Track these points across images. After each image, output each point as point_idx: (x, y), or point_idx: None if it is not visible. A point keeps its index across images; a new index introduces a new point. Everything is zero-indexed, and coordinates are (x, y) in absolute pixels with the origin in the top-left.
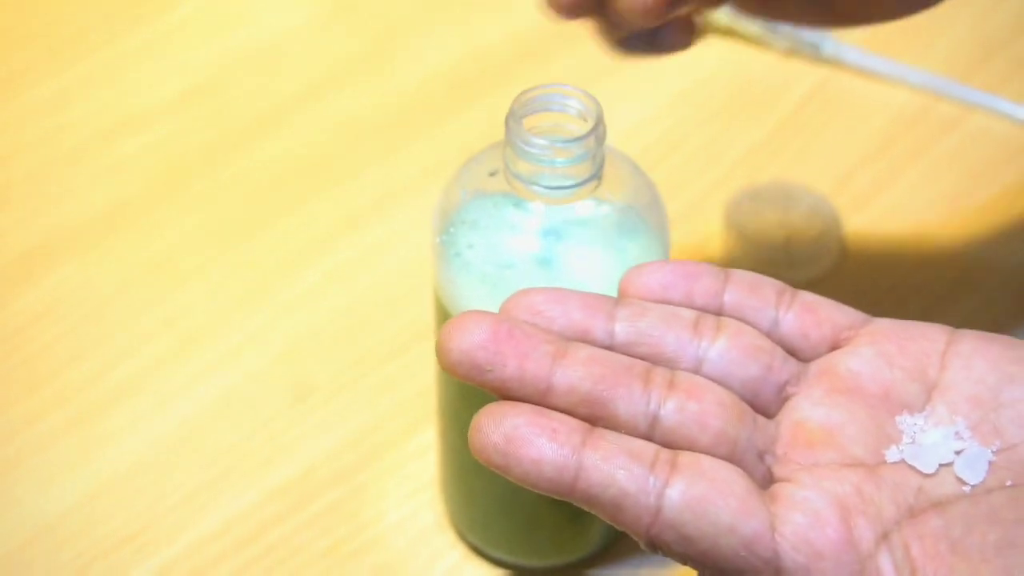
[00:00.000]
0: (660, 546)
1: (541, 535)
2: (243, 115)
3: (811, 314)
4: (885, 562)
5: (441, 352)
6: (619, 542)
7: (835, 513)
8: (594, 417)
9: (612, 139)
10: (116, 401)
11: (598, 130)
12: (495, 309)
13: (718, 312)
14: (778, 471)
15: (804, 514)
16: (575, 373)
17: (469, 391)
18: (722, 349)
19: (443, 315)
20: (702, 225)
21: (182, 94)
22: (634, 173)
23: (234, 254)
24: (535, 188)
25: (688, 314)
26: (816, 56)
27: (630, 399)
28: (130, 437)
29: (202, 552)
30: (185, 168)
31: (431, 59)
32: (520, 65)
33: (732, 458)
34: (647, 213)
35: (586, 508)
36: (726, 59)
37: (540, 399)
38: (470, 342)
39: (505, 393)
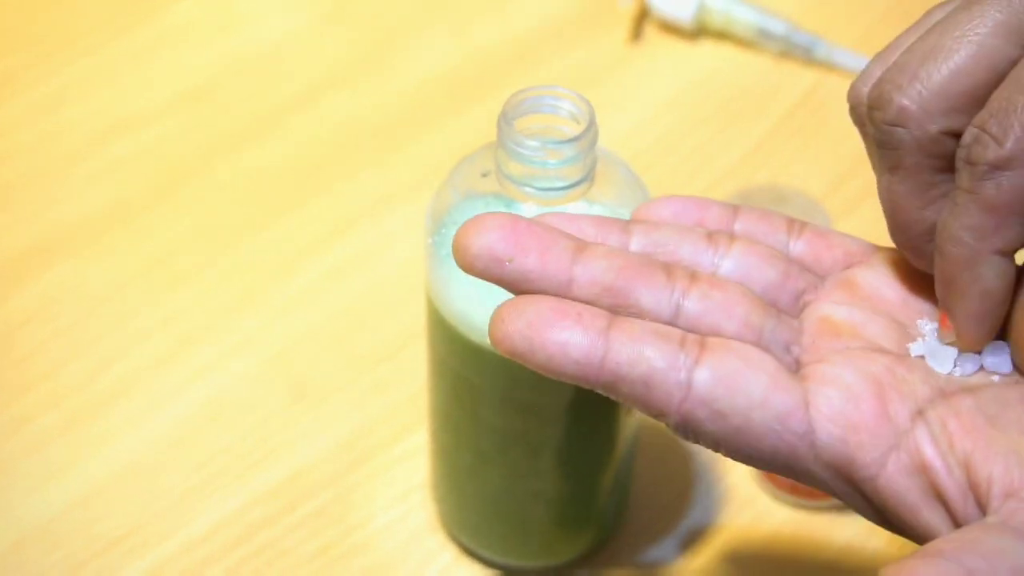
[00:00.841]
0: (692, 425)
1: (532, 536)
2: (240, 117)
3: (823, 239)
4: (922, 435)
5: (459, 249)
6: (609, 544)
7: (869, 388)
8: (617, 307)
9: (606, 142)
10: (108, 402)
11: (590, 132)
12: (487, 311)
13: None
14: (806, 359)
15: (838, 388)
16: (597, 265)
17: (462, 391)
18: (738, 256)
19: (435, 317)
20: None
21: (179, 96)
22: (626, 175)
23: (229, 255)
24: (527, 190)
25: (701, 230)
26: (809, 58)
27: (653, 288)
28: (123, 438)
29: (193, 553)
30: (181, 169)
31: (428, 62)
32: (517, 68)
33: (759, 346)
34: None
35: (613, 395)
36: (719, 62)
37: (561, 291)
38: (489, 236)
39: (525, 286)
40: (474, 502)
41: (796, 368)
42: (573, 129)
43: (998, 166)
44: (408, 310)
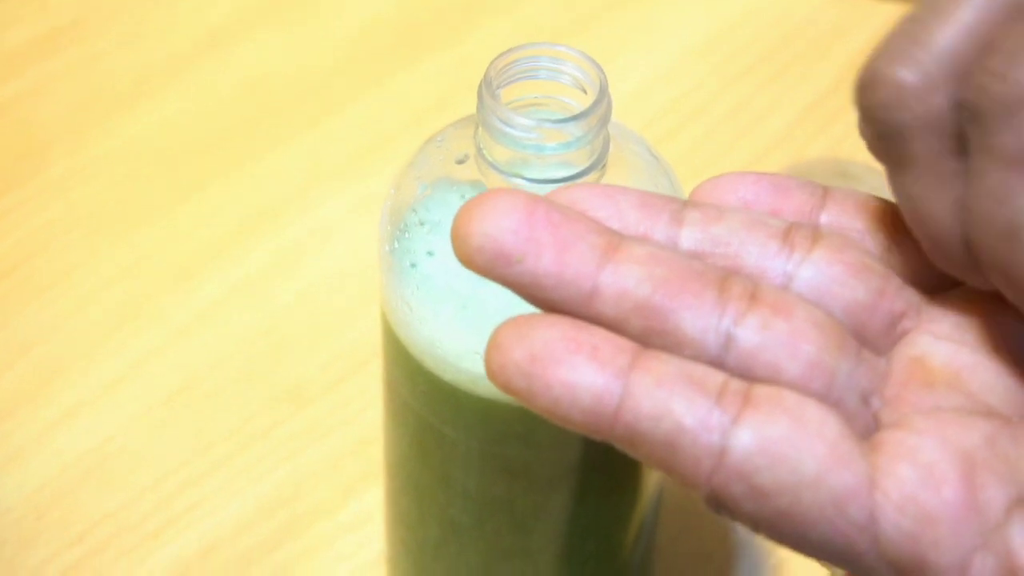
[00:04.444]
0: (724, 502)
1: None
2: (121, 71)
3: None
4: (1018, 534)
5: (459, 237)
6: None
7: (956, 468)
8: (651, 331)
9: (614, 107)
10: None
11: (601, 105)
12: (464, 336)
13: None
14: (886, 417)
15: (914, 467)
16: (630, 273)
17: (429, 444)
18: (820, 264)
19: (394, 347)
20: None
21: (37, 41)
22: (646, 158)
23: (108, 257)
24: (517, 181)
25: (777, 223)
26: None
27: (699, 311)
28: None
29: None
30: (43, 141)
31: None
32: (489, 5)
33: (827, 396)
34: None
35: (631, 452)
36: None
37: (582, 304)
38: (498, 223)
39: (536, 294)
40: None
41: (872, 428)
42: (579, 101)
43: (1012, 107)
44: (351, 330)
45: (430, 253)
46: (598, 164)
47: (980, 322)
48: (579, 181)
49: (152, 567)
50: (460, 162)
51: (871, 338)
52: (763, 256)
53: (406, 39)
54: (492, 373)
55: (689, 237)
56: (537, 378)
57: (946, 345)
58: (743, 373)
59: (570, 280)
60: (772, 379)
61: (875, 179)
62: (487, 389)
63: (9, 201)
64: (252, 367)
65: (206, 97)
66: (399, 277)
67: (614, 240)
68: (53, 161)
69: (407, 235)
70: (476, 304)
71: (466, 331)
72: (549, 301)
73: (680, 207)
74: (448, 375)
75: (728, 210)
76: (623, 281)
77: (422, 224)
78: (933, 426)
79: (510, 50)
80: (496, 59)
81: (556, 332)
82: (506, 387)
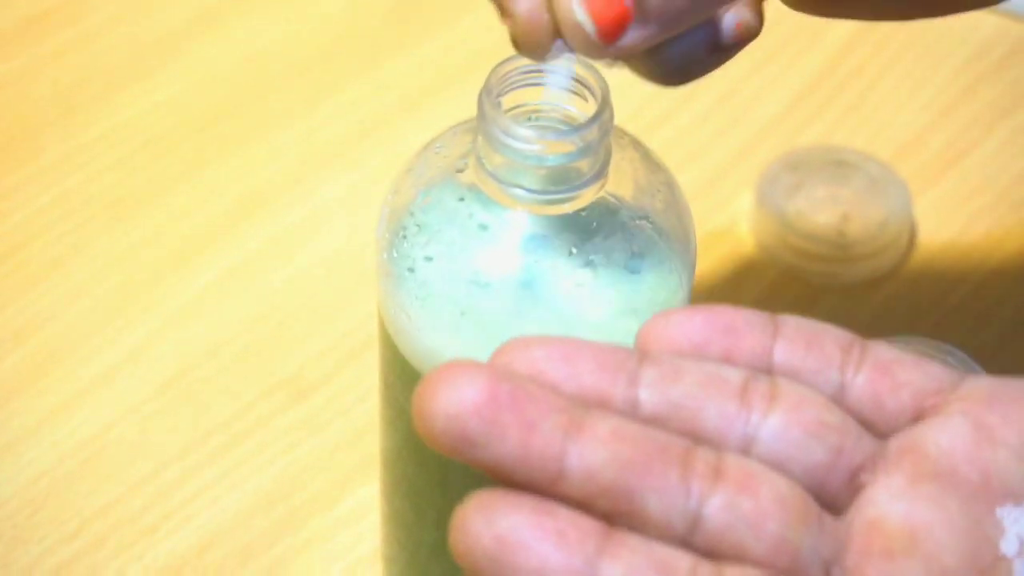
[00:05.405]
0: None
1: None
2: (113, 53)
3: (887, 376)
4: None
5: (420, 417)
6: None
7: None
8: (616, 513)
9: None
10: None
11: (603, 116)
12: (462, 343)
13: (768, 372)
14: None
15: None
16: (595, 454)
17: (426, 450)
18: (778, 427)
19: (392, 355)
20: (726, 206)
21: (28, 23)
22: (648, 166)
23: (102, 245)
24: (517, 192)
25: (734, 376)
26: None
27: (664, 491)
28: None
29: None
30: (34, 126)
31: None
32: None
33: (791, 572)
34: (664, 220)
35: None
36: None
37: (548, 484)
38: (460, 405)
39: (501, 475)
40: None
41: None
42: (580, 109)
43: None
44: (347, 318)
45: (428, 258)
46: (600, 175)
47: (932, 467)
48: (580, 191)
49: (149, 563)
50: (460, 171)
51: (830, 496)
52: (722, 418)
53: (402, 20)
54: (459, 555)
55: (648, 400)
56: (505, 564)
57: (901, 505)
58: (710, 550)
59: (536, 463)
60: (738, 557)
61: (872, 166)
62: None
63: (0, 188)
64: (248, 355)
65: (199, 79)
66: (397, 283)
67: (576, 417)
68: (45, 147)
69: (405, 240)
70: (475, 311)
71: (465, 339)
72: (515, 482)
73: (637, 365)
74: None
75: (683, 366)
76: (588, 463)
77: (420, 228)
78: None
79: (512, 57)
80: (497, 66)
81: (521, 517)
82: (473, 571)
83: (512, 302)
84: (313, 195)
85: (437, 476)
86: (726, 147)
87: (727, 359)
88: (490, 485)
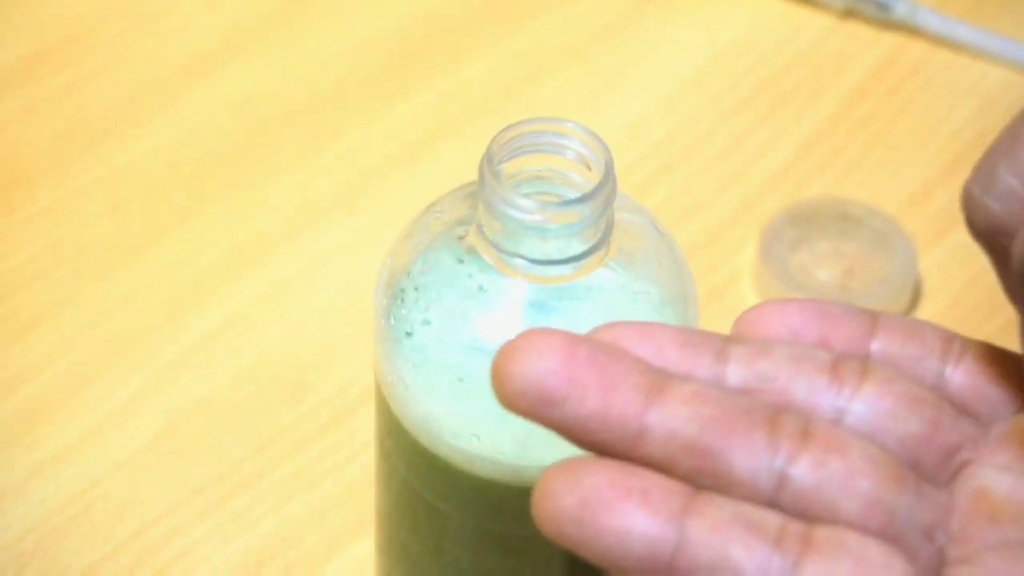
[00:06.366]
0: None
1: None
2: (108, 97)
3: (990, 367)
4: None
5: (498, 379)
6: None
7: None
8: (700, 472)
9: (607, 132)
10: None
11: (606, 186)
12: (460, 412)
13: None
14: (953, 553)
15: None
16: (677, 413)
17: (422, 517)
18: (870, 397)
19: (388, 418)
20: (728, 260)
21: (20, 65)
22: (650, 233)
23: (93, 295)
24: (517, 262)
25: (824, 355)
26: (884, 18)
27: (750, 450)
28: None
29: None
30: (28, 170)
31: (366, 17)
32: (488, 26)
33: (887, 534)
34: (666, 286)
35: None
36: (763, 21)
37: (629, 446)
38: (539, 365)
39: (582, 437)
40: None
41: (937, 564)
42: (582, 176)
43: None
44: (341, 371)
45: (426, 322)
46: (602, 244)
47: None
48: (582, 261)
49: None
50: (460, 237)
51: (929, 471)
52: (812, 391)
53: (402, 66)
54: (542, 520)
55: (735, 374)
56: (588, 525)
57: (1008, 477)
58: (799, 513)
59: (616, 422)
60: (829, 518)
61: (877, 221)
62: (483, 467)
63: None
64: (239, 409)
65: (194, 125)
66: (394, 348)
67: (658, 379)
68: (38, 192)
69: (403, 304)
70: (473, 378)
71: (463, 407)
72: (595, 443)
73: (724, 343)
74: (443, 452)
75: (773, 344)
76: (670, 421)
77: (418, 291)
78: (1003, 563)
79: (513, 124)
80: (499, 133)
81: (605, 477)
82: (557, 535)
83: None
84: (310, 245)
85: (432, 541)
86: (729, 200)
87: (822, 345)
88: (489, 551)
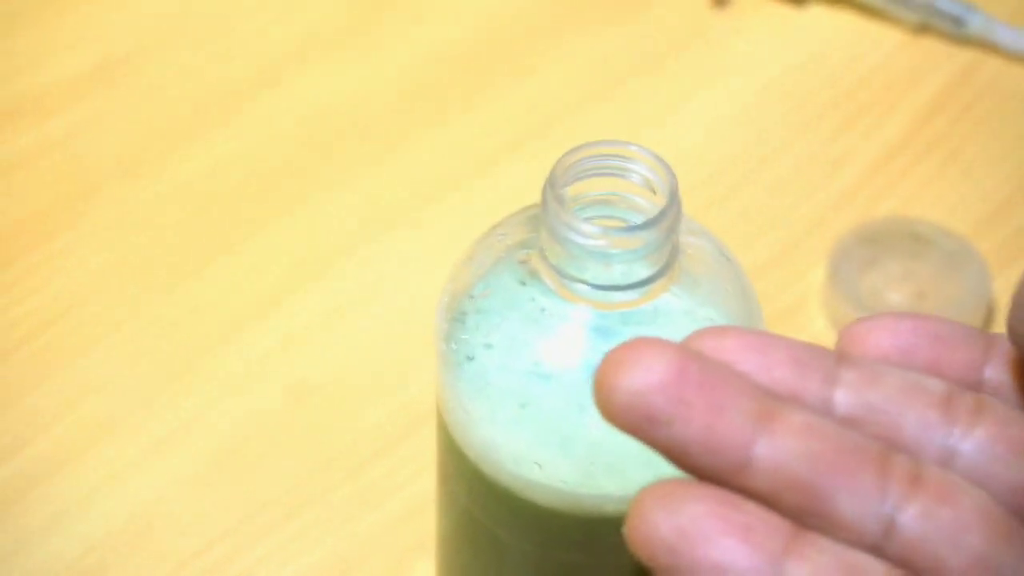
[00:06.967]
0: None
1: None
2: (174, 108)
3: None
4: None
5: (601, 391)
6: None
7: None
8: (804, 511)
9: (670, 151)
10: None
11: (671, 211)
12: (522, 439)
13: (976, 390)
14: None
15: None
16: (786, 446)
17: (483, 545)
18: (982, 440)
19: (448, 445)
20: (797, 282)
21: (88, 74)
22: (717, 259)
23: (154, 308)
24: (580, 288)
25: (937, 387)
26: (958, 34)
27: (858, 492)
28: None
29: None
30: (91, 180)
31: (434, 27)
32: (556, 39)
33: None
34: (731, 311)
35: None
36: (834, 37)
37: (732, 474)
38: (646, 380)
39: (683, 460)
40: None
41: None
42: (647, 199)
43: None
44: (404, 386)
45: (488, 346)
46: (666, 269)
47: None
48: (647, 286)
49: None
50: (522, 261)
51: None
52: (923, 427)
53: (466, 80)
54: (635, 543)
55: (844, 401)
56: (684, 556)
57: None
58: (903, 561)
59: (721, 449)
60: (934, 570)
61: (949, 242)
62: (544, 496)
63: (54, 246)
64: (303, 427)
65: (258, 137)
66: (455, 373)
67: (768, 406)
68: (103, 204)
69: (464, 327)
70: (535, 404)
71: (524, 434)
72: (696, 467)
73: (834, 364)
74: (505, 480)
75: (884, 371)
76: (778, 455)
77: (480, 314)
78: None
79: (577, 148)
80: (563, 157)
81: (706, 507)
82: (650, 560)
83: (574, 395)
84: (375, 259)
85: (492, 567)
86: (798, 219)
87: (934, 370)
88: (551, 561)
